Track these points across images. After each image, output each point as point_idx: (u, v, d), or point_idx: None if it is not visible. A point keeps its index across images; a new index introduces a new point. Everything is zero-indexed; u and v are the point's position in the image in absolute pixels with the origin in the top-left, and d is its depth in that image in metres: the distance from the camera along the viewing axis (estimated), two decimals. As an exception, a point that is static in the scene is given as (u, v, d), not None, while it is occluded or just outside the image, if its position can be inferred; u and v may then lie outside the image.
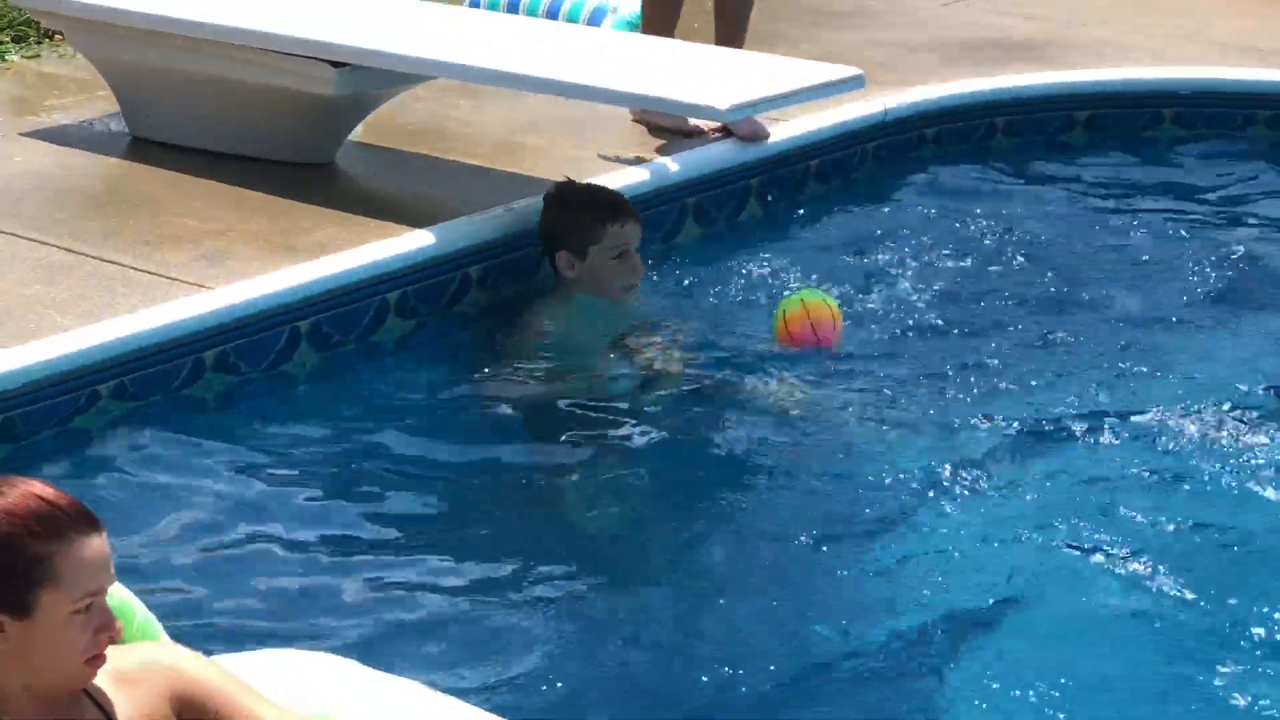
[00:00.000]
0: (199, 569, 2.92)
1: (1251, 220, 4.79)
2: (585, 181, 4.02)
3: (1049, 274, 4.39)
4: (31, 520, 1.75)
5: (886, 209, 4.79)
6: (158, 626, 2.15)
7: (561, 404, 3.70)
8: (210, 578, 2.88)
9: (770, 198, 4.57)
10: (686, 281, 4.30)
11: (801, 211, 4.73)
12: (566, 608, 2.95)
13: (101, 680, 1.87)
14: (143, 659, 1.95)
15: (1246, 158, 5.10)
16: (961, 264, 4.37)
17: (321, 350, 3.64)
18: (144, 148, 4.57)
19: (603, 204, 3.77)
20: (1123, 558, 3.00)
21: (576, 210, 3.78)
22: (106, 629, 1.77)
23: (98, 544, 1.77)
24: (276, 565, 2.99)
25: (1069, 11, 6.08)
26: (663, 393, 3.81)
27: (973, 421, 3.70)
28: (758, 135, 4.37)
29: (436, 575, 3.02)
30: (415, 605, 2.95)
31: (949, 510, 3.28)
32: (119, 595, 2.02)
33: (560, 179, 4.00)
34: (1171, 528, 3.13)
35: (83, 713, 1.87)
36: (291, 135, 4.37)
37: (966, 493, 3.33)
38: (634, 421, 3.68)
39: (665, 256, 4.28)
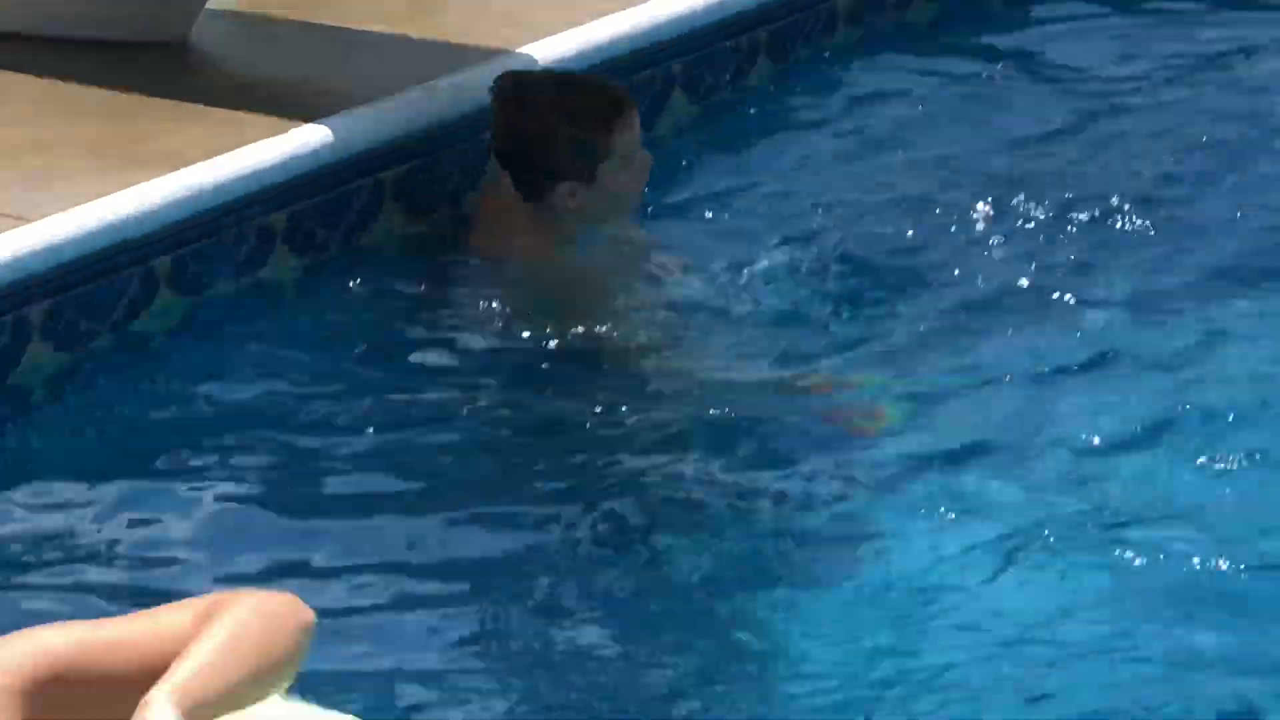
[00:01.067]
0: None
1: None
2: (541, 69, 3.32)
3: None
4: None
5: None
6: None
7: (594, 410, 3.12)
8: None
9: (787, 49, 3.86)
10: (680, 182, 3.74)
11: (833, 67, 4.13)
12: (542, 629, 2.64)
13: None
14: None
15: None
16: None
17: (187, 295, 3.02)
18: None
19: (600, 100, 3.05)
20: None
21: (567, 117, 3.04)
22: None
23: None
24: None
25: None
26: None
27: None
28: None
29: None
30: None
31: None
32: None
33: (499, 46, 3.28)
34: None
35: None
36: (129, 5, 3.75)
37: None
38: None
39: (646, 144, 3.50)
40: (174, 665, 1.35)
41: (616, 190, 2.99)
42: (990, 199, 3.75)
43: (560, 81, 3.18)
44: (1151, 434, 3.04)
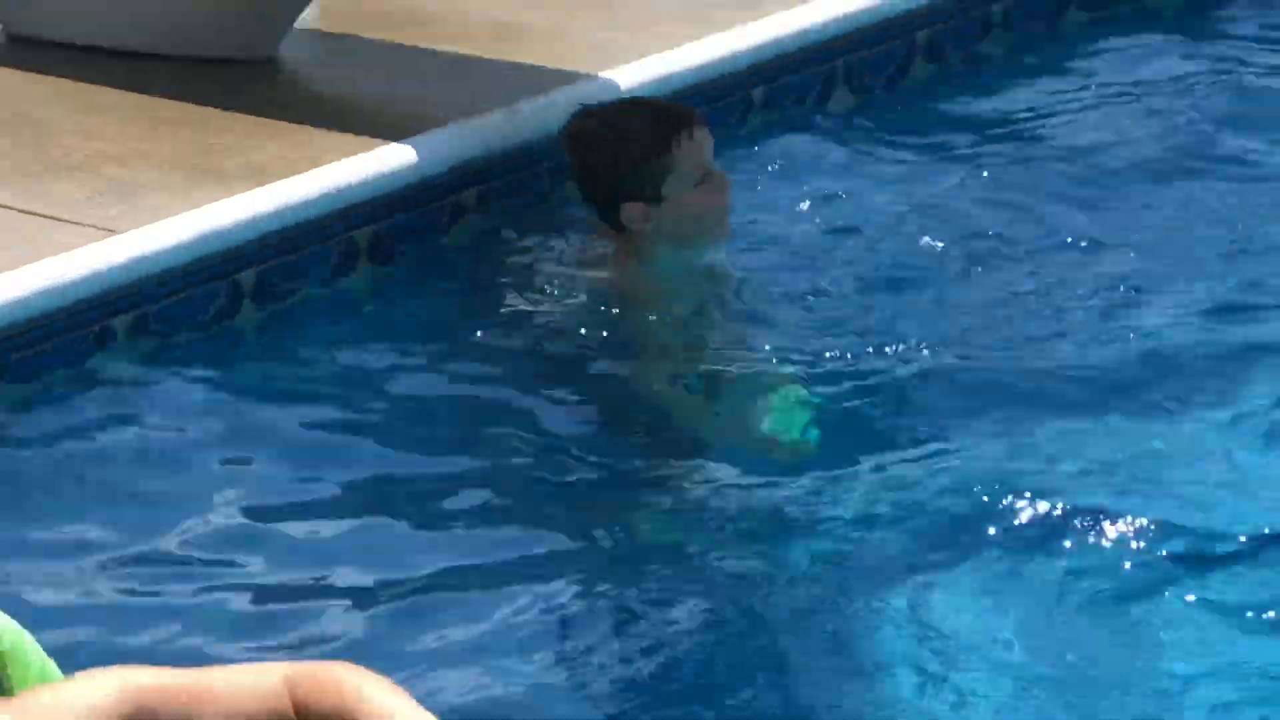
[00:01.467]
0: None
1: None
2: (616, 97, 3.39)
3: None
4: None
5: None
6: (38, 659, 1.65)
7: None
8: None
9: (867, 80, 3.95)
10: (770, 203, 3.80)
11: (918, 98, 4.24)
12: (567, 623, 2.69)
13: None
14: (41, 704, 1.58)
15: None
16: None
17: (268, 306, 3.09)
18: (24, 50, 3.95)
19: (659, 118, 3.05)
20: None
21: (625, 139, 3.03)
22: None
23: None
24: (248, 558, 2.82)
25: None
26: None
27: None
28: None
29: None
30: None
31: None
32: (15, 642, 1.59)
33: (583, 74, 3.42)
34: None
35: None
36: (218, 22, 3.82)
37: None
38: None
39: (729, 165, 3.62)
40: None
41: (689, 209, 2.98)
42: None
43: (623, 106, 3.20)
44: (1109, 473, 3.01)
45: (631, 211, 3.01)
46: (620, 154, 3.08)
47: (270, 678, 1.59)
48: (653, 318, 3.20)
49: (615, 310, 3.20)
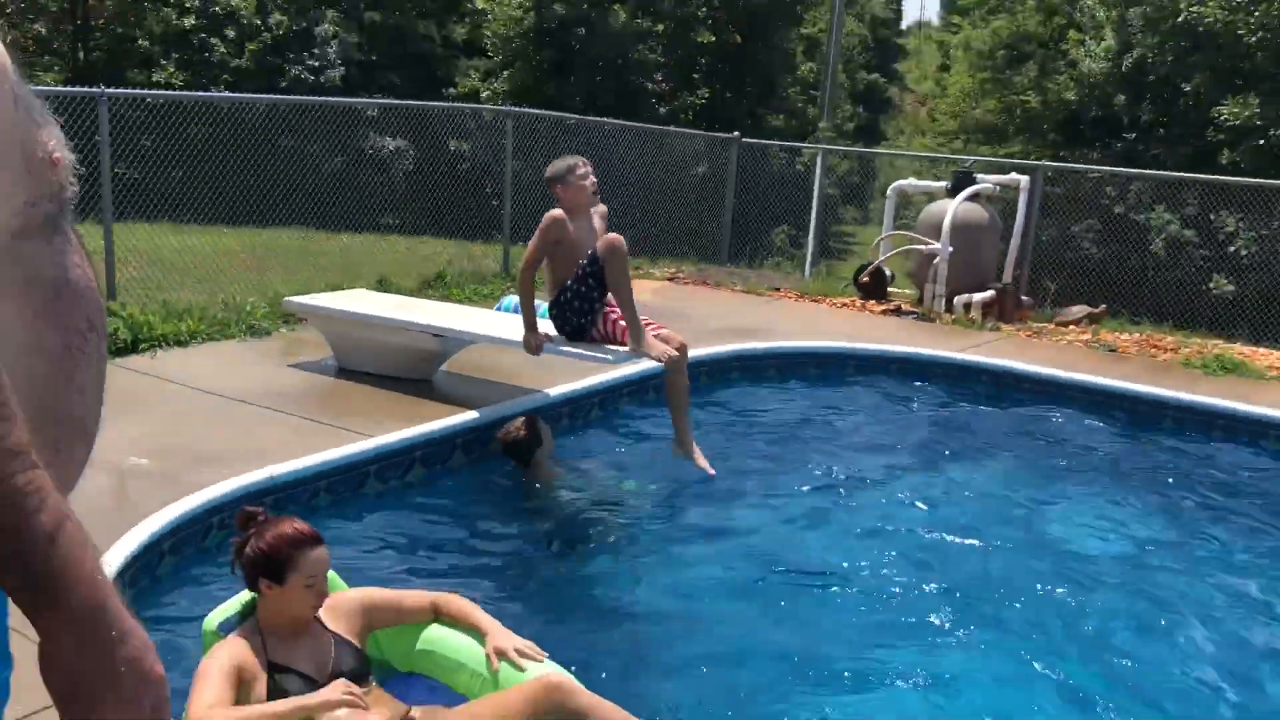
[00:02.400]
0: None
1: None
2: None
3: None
4: (287, 540, 2.88)
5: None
6: (341, 582, 3.19)
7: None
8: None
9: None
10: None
11: None
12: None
13: (322, 614, 2.99)
14: (338, 596, 3.03)
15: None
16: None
17: (426, 468, 5.33)
18: (347, 373, 6.61)
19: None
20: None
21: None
22: (323, 595, 2.89)
23: (321, 551, 2.89)
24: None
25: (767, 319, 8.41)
26: None
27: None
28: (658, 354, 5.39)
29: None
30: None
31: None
32: (333, 576, 3.09)
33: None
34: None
35: (314, 629, 2.94)
36: (415, 366, 6.47)
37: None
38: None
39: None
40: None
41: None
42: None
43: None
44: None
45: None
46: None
47: (427, 598, 3.11)
48: None
49: None
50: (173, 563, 4.11)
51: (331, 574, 3.05)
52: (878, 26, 54.31)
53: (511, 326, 6.20)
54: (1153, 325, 10.73)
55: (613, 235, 5.38)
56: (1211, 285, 15.61)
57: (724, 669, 3.56)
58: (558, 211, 5.65)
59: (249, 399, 5.90)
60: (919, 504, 5.25)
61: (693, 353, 5.87)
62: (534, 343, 5.62)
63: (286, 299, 6.91)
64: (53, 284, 0.64)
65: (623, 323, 5.57)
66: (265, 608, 2.87)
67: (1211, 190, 14.99)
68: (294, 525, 2.89)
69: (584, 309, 5.57)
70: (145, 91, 10.22)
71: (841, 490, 5.50)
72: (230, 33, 21.06)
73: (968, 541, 4.83)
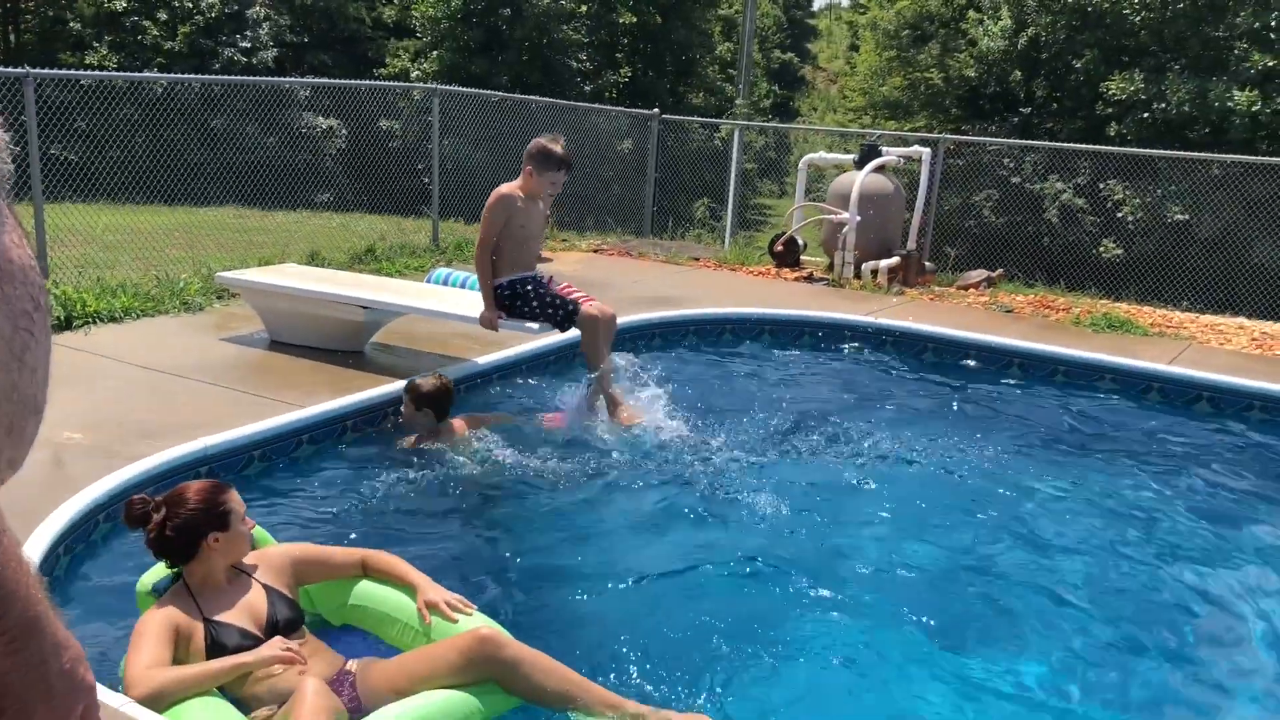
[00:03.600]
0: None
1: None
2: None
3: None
4: (211, 491, 2.92)
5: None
6: (270, 538, 3.26)
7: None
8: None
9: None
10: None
11: None
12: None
13: (248, 560, 2.98)
14: (267, 550, 3.08)
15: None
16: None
17: (356, 433, 5.28)
18: (279, 346, 6.53)
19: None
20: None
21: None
22: (250, 530, 2.96)
23: (237, 495, 2.97)
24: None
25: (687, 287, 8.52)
26: None
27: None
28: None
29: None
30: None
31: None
32: (261, 533, 3.18)
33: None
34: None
35: (246, 581, 2.93)
36: (345, 338, 6.42)
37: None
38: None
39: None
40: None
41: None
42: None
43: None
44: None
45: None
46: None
47: (356, 554, 3.13)
48: None
49: None
50: (107, 531, 4.04)
51: (260, 530, 3.08)
52: (790, 8, 54.40)
53: (439, 298, 6.23)
54: (1046, 287, 10.92)
55: (604, 308, 5.54)
56: (1101, 249, 15.95)
57: (653, 622, 3.59)
58: (505, 188, 5.55)
59: (182, 373, 5.78)
60: (833, 461, 5.31)
61: (620, 320, 5.93)
62: (489, 318, 5.58)
63: (219, 274, 6.82)
64: None
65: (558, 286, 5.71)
66: (199, 568, 2.84)
67: (1101, 160, 15.34)
68: (201, 483, 2.91)
69: (522, 308, 5.67)
70: (73, 72, 9.87)
71: (754, 449, 5.52)
72: (162, 15, 20.53)
73: (878, 495, 4.96)
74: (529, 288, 5.61)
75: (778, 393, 6.75)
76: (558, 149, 5.41)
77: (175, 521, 2.82)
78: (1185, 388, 7.10)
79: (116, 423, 4.98)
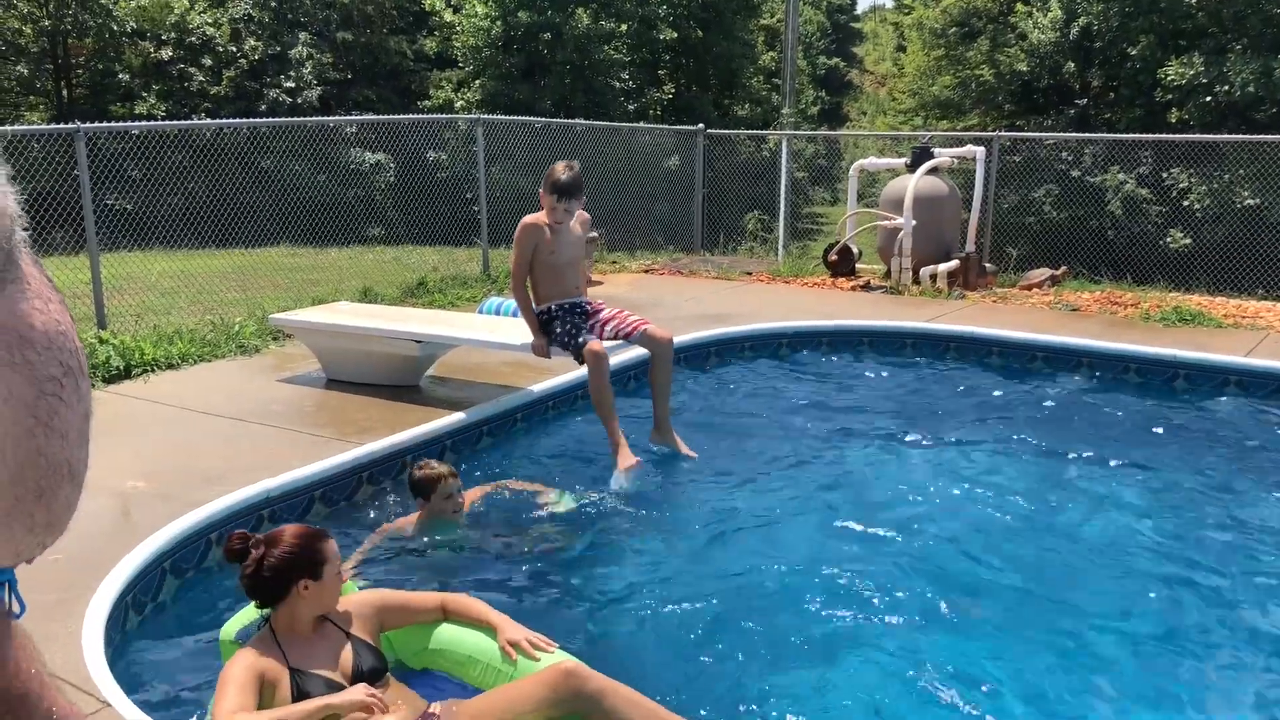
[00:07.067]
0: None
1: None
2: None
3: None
4: (309, 538, 2.95)
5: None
6: (353, 585, 3.32)
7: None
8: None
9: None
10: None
11: None
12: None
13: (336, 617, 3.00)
14: (350, 598, 3.07)
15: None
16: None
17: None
18: (335, 384, 6.59)
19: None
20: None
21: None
22: (342, 582, 2.97)
23: (334, 545, 2.99)
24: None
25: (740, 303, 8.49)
26: None
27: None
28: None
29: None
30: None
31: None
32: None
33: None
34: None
35: (330, 631, 2.95)
36: (401, 373, 6.47)
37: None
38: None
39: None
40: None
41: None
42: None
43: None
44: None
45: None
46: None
47: (436, 598, 3.15)
48: None
49: None
50: (175, 580, 4.10)
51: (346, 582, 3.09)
52: (834, 12, 54.21)
53: (490, 329, 6.24)
54: (1113, 283, 10.72)
55: (660, 330, 5.57)
56: (1168, 240, 15.64)
57: (718, 652, 3.54)
58: (530, 217, 5.61)
59: (241, 416, 5.85)
60: (908, 472, 5.28)
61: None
62: (539, 345, 5.61)
63: (273, 316, 6.95)
64: (12, 334, 0.61)
65: (611, 323, 5.68)
66: (286, 613, 2.86)
67: (1163, 149, 15.05)
68: (300, 528, 2.91)
69: (560, 337, 5.64)
70: (121, 124, 10.15)
71: (822, 464, 5.48)
72: (207, 61, 20.95)
73: (957, 507, 4.87)
74: (558, 317, 5.63)
75: (829, 405, 6.71)
76: (558, 173, 5.42)
77: (270, 561, 2.85)
78: (1265, 379, 6.90)
79: (178, 469, 5.05)
